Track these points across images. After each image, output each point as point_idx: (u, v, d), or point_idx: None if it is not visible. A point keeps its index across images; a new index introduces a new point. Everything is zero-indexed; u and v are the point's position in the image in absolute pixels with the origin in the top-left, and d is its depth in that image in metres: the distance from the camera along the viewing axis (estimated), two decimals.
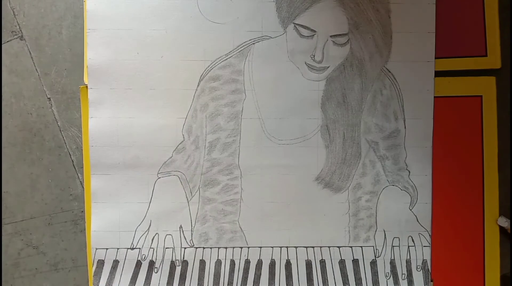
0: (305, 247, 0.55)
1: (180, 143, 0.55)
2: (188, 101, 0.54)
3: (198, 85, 0.54)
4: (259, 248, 0.55)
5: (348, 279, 0.55)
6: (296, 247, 0.55)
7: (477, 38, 0.56)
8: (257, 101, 0.55)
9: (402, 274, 0.55)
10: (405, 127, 0.55)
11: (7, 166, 0.57)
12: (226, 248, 0.55)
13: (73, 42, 0.57)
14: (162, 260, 0.55)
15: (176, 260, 0.55)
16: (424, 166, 0.55)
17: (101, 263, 0.54)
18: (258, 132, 0.55)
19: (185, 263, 0.55)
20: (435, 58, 0.55)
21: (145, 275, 0.55)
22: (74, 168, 0.57)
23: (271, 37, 0.55)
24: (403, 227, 0.56)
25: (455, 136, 0.56)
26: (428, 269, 0.55)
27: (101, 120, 0.54)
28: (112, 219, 0.54)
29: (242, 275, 0.55)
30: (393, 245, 0.55)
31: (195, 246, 0.55)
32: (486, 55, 0.55)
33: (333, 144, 0.55)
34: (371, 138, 0.55)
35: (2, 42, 0.57)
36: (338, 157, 0.55)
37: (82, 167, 0.56)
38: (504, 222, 0.55)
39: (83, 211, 0.57)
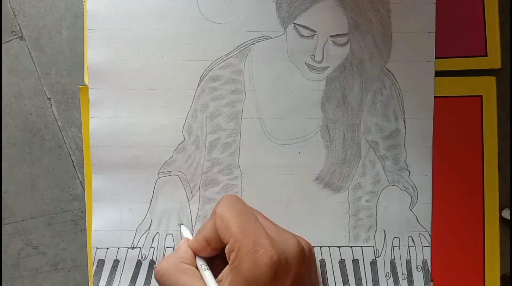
0: None
1: (180, 143, 0.55)
2: (188, 101, 0.54)
3: (198, 85, 0.54)
4: None
5: (348, 279, 0.55)
6: None
7: (477, 38, 0.56)
8: (257, 101, 0.55)
9: (402, 274, 0.55)
10: (405, 127, 0.55)
11: (7, 166, 0.57)
12: None
13: (73, 42, 0.57)
14: None
15: None
16: (424, 166, 0.55)
17: (101, 262, 0.54)
18: (258, 132, 0.55)
19: None
20: (435, 58, 0.55)
21: (146, 275, 0.55)
22: (74, 168, 0.57)
23: (271, 37, 0.55)
24: (403, 227, 0.56)
25: (455, 136, 0.56)
26: (428, 269, 0.55)
27: (102, 120, 0.54)
28: (113, 218, 0.55)
29: None
30: (393, 245, 0.55)
31: None
32: (486, 55, 0.55)
33: (333, 144, 0.55)
34: (371, 138, 0.55)
35: (2, 42, 0.57)
36: (338, 157, 0.56)
37: (82, 167, 0.56)
38: (508, 215, 0.55)
39: (83, 211, 0.57)
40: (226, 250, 0.46)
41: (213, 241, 0.48)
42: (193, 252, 0.49)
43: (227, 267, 0.46)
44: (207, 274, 0.47)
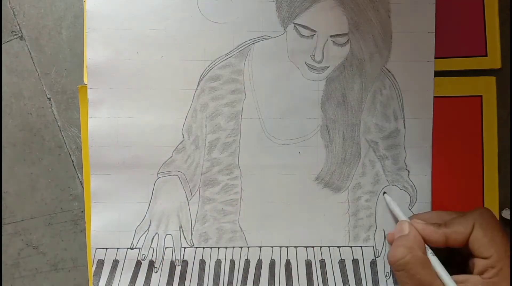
0: (305, 247, 0.55)
1: (180, 143, 0.55)
2: (188, 101, 0.54)
3: (198, 85, 0.54)
4: (259, 248, 0.55)
5: (348, 279, 0.55)
6: (296, 247, 0.55)
7: (477, 38, 0.56)
8: (257, 101, 0.55)
9: None
10: (404, 127, 0.55)
11: (7, 166, 0.57)
12: (226, 248, 0.55)
13: (73, 42, 0.57)
14: (162, 260, 0.55)
15: (176, 260, 0.55)
16: (423, 166, 0.55)
17: (101, 263, 0.54)
18: (258, 132, 0.55)
19: (185, 263, 0.55)
20: (435, 58, 0.55)
21: (145, 275, 0.55)
22: (74, 168, 0.57)
23: (271, 37, 0.55)
24: None
25: (455, 136, 0.56)
26: None
27: (101, 120, 0.54)
28: (112, 219, 0.55)
29: (242, 275, 0.55)
30: None
31: (195, 246, 0.55)
32: (486, 55, 0.55)
33: (333, 144, 0.55)
34: (371, 138, 0.55)
35: (2, 42, 0.57)
36: (338, 157, 0.55)
37: (82, 167, 0.56)
38: (508, 215, 0.55)
39: (83, 211, 0.57)
40: (482, 264, 0.47)
41: (454, 242, 0.48)
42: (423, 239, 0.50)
43: (477, 277, 0.47)
44: (435, 260, 0.49)
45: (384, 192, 0.56)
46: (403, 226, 0.51)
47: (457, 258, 0.50)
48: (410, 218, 0.53)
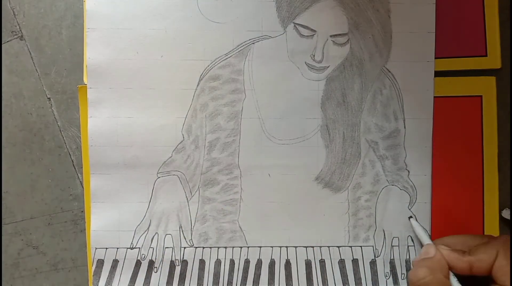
0: (304, 246, 0.55)
1: (179, 143, 0.55)
2: (187, 100, 0.54)
3: (197, 85, 0.54)
4: (259, 248, 0.55)
5: (347, 279, 0.55)
6: (295, 247, 0.55)
7: (477, 38, 0.56)
8: (257, 101, 0.55)
9: (401, 274, 0.55)
10: (405, 127, 0.55)
11: (7, 166, 0.57)
12: (225, 247, 0.55)
13: (73, 42, 0.57)
14: (162, 260, 0.55)
15: (175, 259, 0.55)
16: (423, 166, 0.55)
17: (100, 262, 0.54)
18: (258, 132, 0.55)
19: (184, 263, 0.55)
20: (435, 58, 0.55)
21: (145, 275, 0.55)
22: (74, 168, 0.57)
23: (271, 37, 0.55)
24: (403, 226, 0.55)
25: (455, 136, 0.56)
26: None
27: (101, 119, 0.54)
28: (112, 218, 0.55)
29: (242, 275, 0.55)
30: (393, 244, 0.55)
31: (194, 245, 0.55)
32: (486, 55, 0.55)
33: (333, 144, 0.55)
34: (371, 138, 0.55)
35: (2, 42, 0.57)
36: (338, 157, 0.55)
37: (82, 167, 0.56)
38: (508, 215, 0.55)
39: (83, 211, 0.57)
40: None
41: (478, 270, 0.49)
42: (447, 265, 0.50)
43: None
44: None
45: (410, 217, 0.56)
46: (429, 249, 0.51)
47: (478, 284, 0.51)
48: (434, 242, 0.53)
